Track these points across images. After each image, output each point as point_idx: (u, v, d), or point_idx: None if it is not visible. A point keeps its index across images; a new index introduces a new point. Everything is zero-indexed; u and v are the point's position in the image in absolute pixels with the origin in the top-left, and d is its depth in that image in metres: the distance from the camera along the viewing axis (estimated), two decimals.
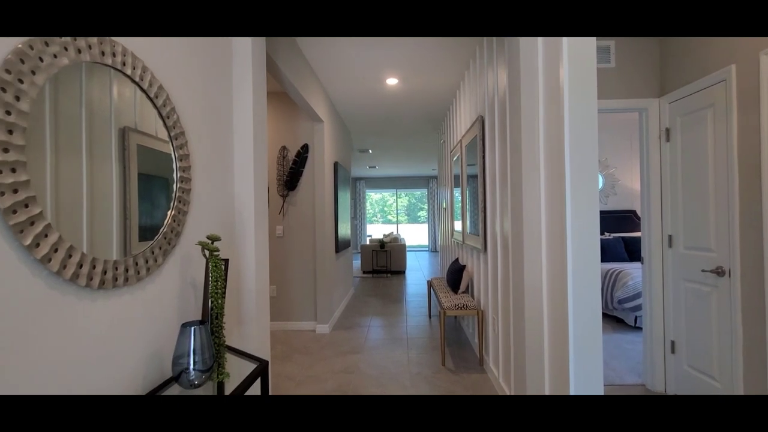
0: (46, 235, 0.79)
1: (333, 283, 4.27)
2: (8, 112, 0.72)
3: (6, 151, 0.72)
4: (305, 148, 4.01)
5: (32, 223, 0.76)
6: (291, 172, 3.98)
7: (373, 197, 15.15)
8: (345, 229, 5.13)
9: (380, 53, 3.13)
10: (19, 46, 0.76)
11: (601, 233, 5.24)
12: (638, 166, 3.87)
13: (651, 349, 2.53)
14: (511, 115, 2.06)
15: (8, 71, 0.73)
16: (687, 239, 2.30)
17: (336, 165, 4.51)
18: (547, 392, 1.72)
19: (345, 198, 5.17)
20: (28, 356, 0.77)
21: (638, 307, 3.73)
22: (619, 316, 4.06)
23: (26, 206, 0.75)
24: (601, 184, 5.33)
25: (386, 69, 3.46)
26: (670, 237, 2.44)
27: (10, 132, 0.73)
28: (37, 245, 0.77)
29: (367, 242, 8.42)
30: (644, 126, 2.56)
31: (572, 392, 1.49)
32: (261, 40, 1.91)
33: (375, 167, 10.31)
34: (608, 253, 4.79)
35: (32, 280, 0.78)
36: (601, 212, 5.32)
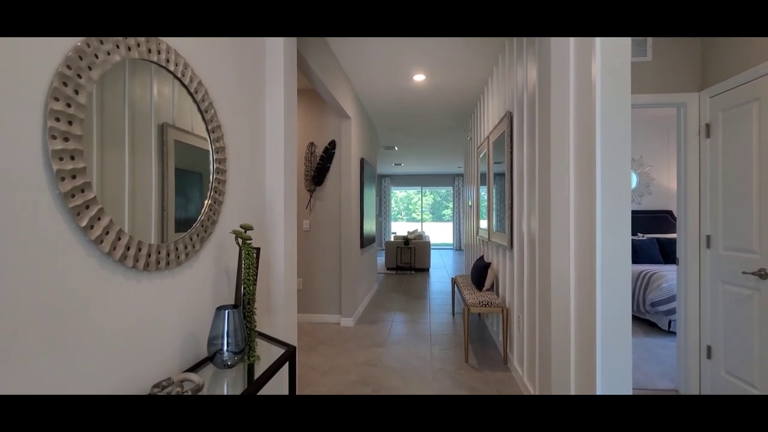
0: (99, 218, 0.86)
1: (357, 278, 4.32)
2: (68, 105, 0.79)
3: (66, 140, 0.78)
4: (332, 145, 4.07)
5: (87, 207, 0.83)
6: (318, 168, 4.06)
7: (398, 195, 15.15)
8: (370, 226, 5.18)
9: (407, 49, 3.14)
10: (78, 44, 0.82)
11: (634, 234, 5.05)
12: (675, 164, 3.70)
13: (685, 353, 2.44)
14: (540, 110, 2.03)
15: (69, 67, 0.80)
16: (727, 240, 2.20)
17: (362, 161, 4.56)
18: (572, 392, 1.70)
19: (370, 194, 5.21)
20: (81, 329, 0.84)
21: (672, 311, 3.58)
22: (651, 320, 3.91)
23: (82, 191, 0.82)
24: (634, 183, 5.13)
25: (413, 65, 3.47)
26: (708, 237, 2.33)
27: (70, 123, 0.79)
28: (92, 227, 0.84)
29: (392, 239, 8.45)
30: (682, 122, 2.46)
31: (599, 393, 1.47)
32: (292, 39, 1.97)
33: (400, 164, 10.32)
34: (641, 254, 4.61)
35: (87, 259, 0.85)
36: (635, 212, 5.12)
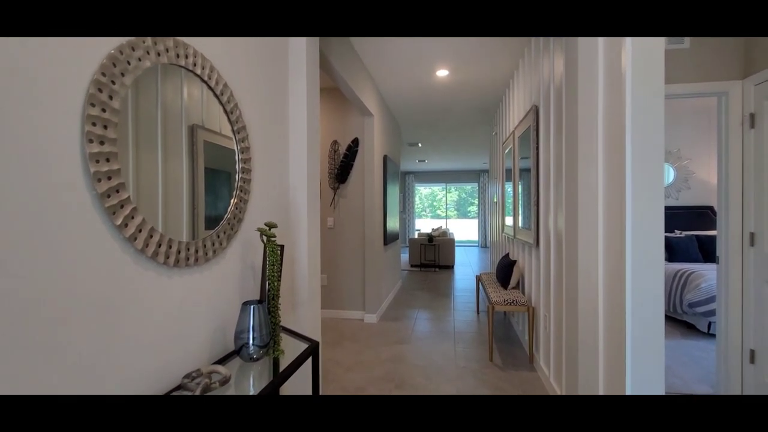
0: (132, 217, 0.91)
1: (381, 275, 4.35)
2: (104, 110, 0.84)
3: (102, 143, 0.83)
4: (356, 142, 4.10)
5: (122, 206, 0.88)
6: (342, 166, 4.10)
7: (423, 192, 15.08)
8: (394, 223, 5.18)
9: (430, 45, 3.11)
10: (112, 51, 0.87)
11: (672, 231, 4.81)
12: (716, 156, 3.47)
13: (726, 357, 2.31)
14: (567, 103, 1.96)
15: (103, 74, 0.84)
16: None
17: (385, 158, 4.56)
18: (601, 394, 1.64)
19: (394, 191, 5.22)
20: (119, 320, 0.89)
21: (711, 312, 3.39)
22: (689, 321, 3.72)
23: (117, 191, 0.87)
24: (672, 178, 4.88)
25: (436, 61, 3.43)
26: (752, 235, 2.19)
27: (105, 127, 0.84)
28: (126, 225, 0.89)
29: (416, 236, 8.43)
30: (724, 112, 2.32)
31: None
32: (315, 39, 1.99)
33: (424, 161, 10.26)
34: (679, 252, 4.39)
35: (121, 255, 0.90)
36: (673, 208, 4.88)
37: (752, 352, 2.19)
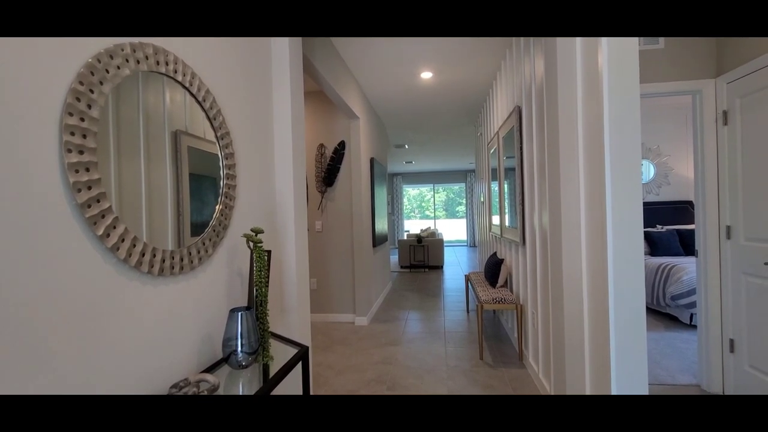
0: (114, 227, 0.90)
1: (371, 277, 4.35)
2: (82, 119, 0.83)
3: (81, 153, 0.82)
4: (342, 145, 4.10)
5: (103, 216, 0.87)
6: (329, 169, 4.10)
7: (411, 193, 15.13)
8: (382, 224, 5.19)
9: (414, 48, 3.14)
10: (90, 60, 0.86)
11: (653, 226, 4.93)
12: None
13: (707, 347, 2.38)
14: (548, 103, 2.00)
15: (81, 83, 0.83)
16: (748, 230, 2.13)
17: (372, 161, 4.57)
18: (587, 389, 1.68)
19: (382, 193, 5.23)
20: (101, 332, 0.88)
21: (693, 304, 3.49)
22: (672, 314, 3.82)
23: (98, 201, 0.86)
24: (652, 174, 5.00)
25: (420, 63, 3.46)
26: (728, 228, 2.27)
27: (84, 136, 0.83)
28: (108, 235, 0.88)
29: (405, 237, 8.45)
30: (698, 109, 2.39)
31: (614, 390, 1.45)
32: (297, 42, 1.99)
33: (412, 162, 10.30)
34: (661, 246, 4.51)
35: (104, 266, 0.89)
36: (654, 203, 5.00)
37: (731, 342, 2.26)
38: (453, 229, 14.82)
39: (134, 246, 0.95)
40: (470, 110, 5.08)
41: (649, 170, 5.03)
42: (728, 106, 2.25)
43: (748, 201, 2.13)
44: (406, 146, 7.75)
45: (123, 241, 0.92)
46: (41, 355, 0.74)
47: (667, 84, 2.40)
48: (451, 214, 15.34)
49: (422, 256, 7.90)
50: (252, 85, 1.65)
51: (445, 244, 11.70)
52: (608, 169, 1.41)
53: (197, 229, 1.24)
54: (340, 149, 4.09)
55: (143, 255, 0.98)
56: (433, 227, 10.12)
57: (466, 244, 12.96)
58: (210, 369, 1.24)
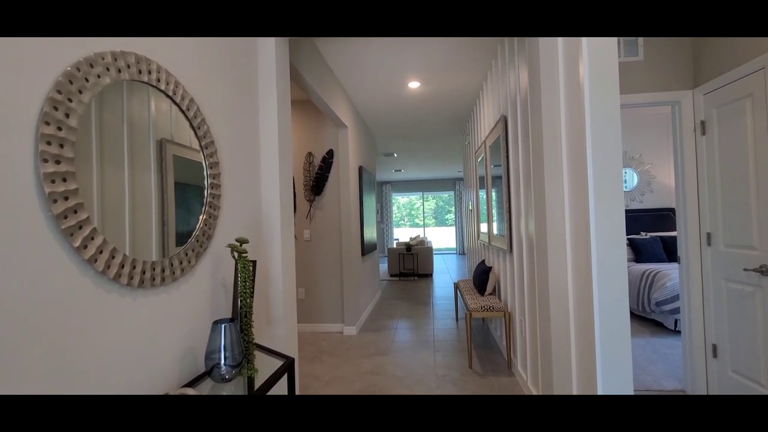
0: (92, 238, 0.87)
1: (359, 286, 4.32)
2: (59, 128, 0.81)
3: (58, 162, 0.80)
4: (330, 154, 4.10)
5: (80, 227, 0.85)
6: (317, 178, 4.08)
7: (400, 201, 15.16)
8: (371, 233, 5.18)
9: (401, 57, 3.17)
10: (68, 68, 0.84)
11: (637, 233, 5.02)
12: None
13: (691, 353, 2.41)
14: (532, 113, 2.04)
15: (59, 92, 0.81)
16: (727, 237, 2.19)
17: (361, 169, 4.58)
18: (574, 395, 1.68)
19: (370, 202, 5.23)
20: (78, 346, 0.85)
21: (677, 310, 3.54)
22: (657, 320, 3.87)
23: (75, 212, 0.84)
24: (635, 182, 5.11)
25: (408, 72, 3.50)
26: (708, 235, 2.32)
27: (61, 146, 0.81)
28: (85, 247, 0.86)
29: (394, 245, 8.44)
30: (677, 119, 2.46)
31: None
32: (284, 49, 1.99)
33: (401, 170, 10.35)
34: (645, 253, 4.59)
35: (81, 279, 0.87)
36: (637, 211, 5.10)
37: (714, 347, 2.29)
38: (442, 237, 14.86)
39: (113, 257, 0.93)
40: (458, 119, 5.14)
41: (633, 178, 5.13)
42: (705, 117, 2.31)
43: (726, 208, 2.18)
44: (395, 155, 7.79)
45: (101, 252, 0.90)
46: (13, 370, 0.72)
47: (646, 95, 2.46)
48: (440, 222, 15.40)
49: (411, 265, 7.90)
50: (238, 93, 1.64)
51: (434, 252, 11.71)
52: (591, 178, 1.44)
53: (182, 238, 1.22)
54: (328, 158, 4.09)
55: (122, 267, 0.96)
56: (422, 235, 10.15)
57: (455, 251, 13.00)
58: (192, 383, 1.20)
